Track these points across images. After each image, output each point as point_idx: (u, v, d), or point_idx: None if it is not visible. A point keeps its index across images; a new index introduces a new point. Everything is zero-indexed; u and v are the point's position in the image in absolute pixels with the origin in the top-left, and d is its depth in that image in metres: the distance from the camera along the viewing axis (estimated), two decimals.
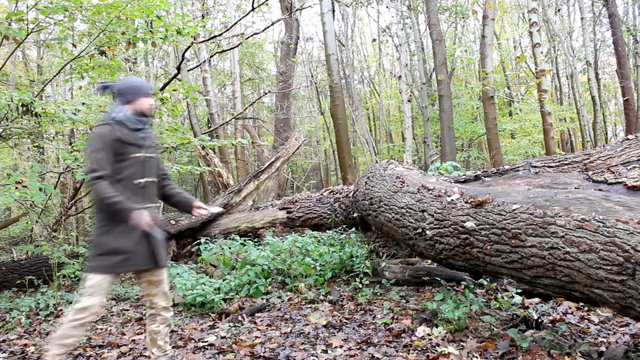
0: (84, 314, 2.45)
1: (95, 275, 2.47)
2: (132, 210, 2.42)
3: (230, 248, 5.14)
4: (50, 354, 2.46)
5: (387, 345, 3.08)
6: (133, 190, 2.55)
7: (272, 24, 8.92)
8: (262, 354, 3.06)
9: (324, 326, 3.57)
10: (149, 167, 2.67)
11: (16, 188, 4.13)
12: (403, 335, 3.24)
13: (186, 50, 7.06)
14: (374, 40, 16.99)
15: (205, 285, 4.33)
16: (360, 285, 4.44)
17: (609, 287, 2.14)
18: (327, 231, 5.68)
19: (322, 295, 4.36)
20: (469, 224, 2.95)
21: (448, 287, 3.84)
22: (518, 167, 4.56)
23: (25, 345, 3.60)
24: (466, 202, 3.12)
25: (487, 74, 9.42)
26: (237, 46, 10.88)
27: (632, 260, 2.05)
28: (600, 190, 3.41)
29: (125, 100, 2.62)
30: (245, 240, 5.33)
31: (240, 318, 3.88)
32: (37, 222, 6.76)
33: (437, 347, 2.92)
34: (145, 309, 4.46)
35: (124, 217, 2.42)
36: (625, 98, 11.25)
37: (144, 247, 2.57)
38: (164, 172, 2.88)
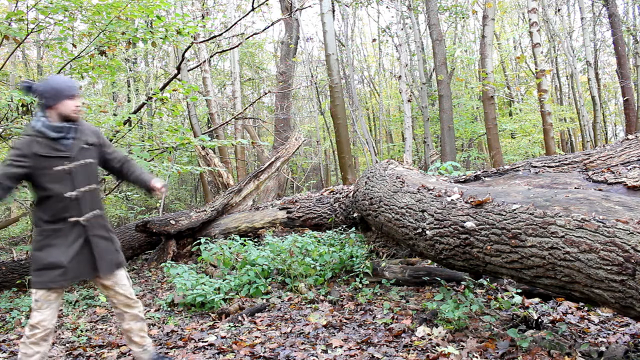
0: (37, 329, 2.40)
1: (37, 290, 2.42)
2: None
3: (230, 248, 5.14)
4: None
5: (387, 345, 3.08)
6: (66, 205, 2.43)
7: (272, 24, 8.92)
8: (262, 354, 3.06)
9: (324, 326, 3.57)
10: (83, 176, 2.50)
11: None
12: (403, 335, 3.24)
13: (186, 50, 7.07)
14: (374, 40, 17.00)
15: (205, 285, 4.33)
16: (360, 285, 4.44)
17: (609, 287, 2.14)
18: (327, 231, 5.68)
19: (322, 295, 4.36)
20: (469, 224, 2.95)
21: (448, 287, 3.84)
22: (518, 167, 4.56)
23: None
24: (466, 202, 3.12)
25: (487, 74, 9.43)
26: (237, 46, 10.89)
27: (632, 260, 2.05)
28: (600, 190, 3.41)
29: (46, 105, 2.42)
30: (245, 240, 5.34)
31: (240, 318, 3.88)
32: None
33: (437, 347, 2.92)
34: (145, 309, 4.46)
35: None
36: (625, 98, 11.25)
37: (83, 258, 2.49)
38: (120, 159, 2.77)
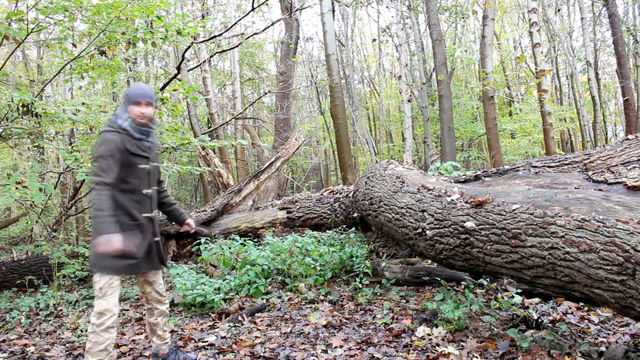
0: (106, 316, 2.49)
1: (102, 277, 2.52)
2: (109, 232, 2.41)
3: (230, 248, 5.14)
4: None
5: (387, 345, 3.08)
6: (141, 200, 2.65)
7: (272, 24, 8.92)
8: (262, 354, 3.06)
9: (324, 326, 3.57)
10: (155, 177, 2.78)
11: (16, 188, 4.13)
12: (403, 335, 3.24)
13: (186, 50, 7.06)
14: (374, 40, 17.00)
15: (205, 285, 4.33)
16: (360, 285, 4.44)
17: (609, 287, 2.14)
18: (327, 231, 5.68)
19: (322, 295, 4.36)
20: (469, 224, 2.95)
21: (448, 287, 3.84)
22: (518, 167, 4.56)
23: (25, 345, 3.60)
24: (466, 202, 3.12)
25: (487, 74, 9.42)
26: (237, 46, 10.88)
27: (632, 260, 2.05)
28: (600, 190, 3.41)
29: (125, 107, 2.65)
30: (245, 240, 5.33)
31: (240, 318, 3.88)
32: (37, 222, 6.76)
33: (437, 347, 2.92)
34: (144, 309, 4.46)
35: (99, 233, 2.42)
36: (625, 98, 11.25)
37: (152, 252, 2.71)
38: (161, 179, 2.98)
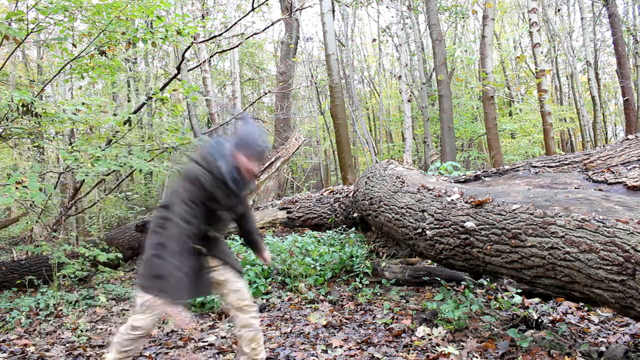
0: (138, 332, 2.40)
1: (145, 295, 2.32)
2: (176, 299, 2.17)
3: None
4: (112, 357, 2.42)
5: (387, 345, 3.08)
6: (203, 240, 2.41)
7: (272, 24, 8.92)
8: None
9: (324, 326, 3.57)
10: (228, 224, 2.57)
11: (16, 188, 4.13)
12: (403, 335, 3.24)
13: (186, 50, 7.05)
14: (374, 40, 17.00)
15: None
16: (360, 285, 4.44)
17: (609, 287, 2.14)
18: (327, 231, 5.68)
19: (322, 295, 4.36)
20: (469, 224, 2.95)
21: (448, 287, 3.84)
22: (518, 167, 4.57)
23: (25, 345, 3.60)
24: (466, 202, 3.12)
25: (487, 74, 9.42)
26: (237, 46, 10.88)
27: (632, 260, 2.05)
28: (600, 190, 3.41)
29: (237, 151, 2.29)
30: None
31: None
32: (37, 222, 6.76)
33: (437, 347, 2.92)
34: None
35: (164, 289, 2.15)
36: (625, 98, 11.25)
37: (197, 280, 2.42)
38: (246, 209, 2.71)
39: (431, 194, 3.57)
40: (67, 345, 3.56)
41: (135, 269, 6.66)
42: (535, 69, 9.01)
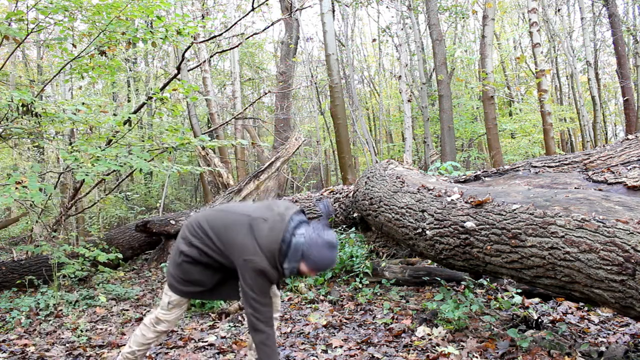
0: (162, 325, 2.50)
1: (174, 294, 2.46)
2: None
3: None
4: (129, 351, 2.52)
5: (387, 345, 3.08)
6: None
7: (272, 24, 8.92)
8: None
9: (324, 326, 3.57)
10: None
11: (16, 188, 4.12)
12: (403, 335, 3.24)
13: (186, 50, 7.06)
14: (374, 40, 17.00)
15: None
16: (360, 285, 4.44)
17: (609, 287, 2.14)
18: None
19: (322, 295, 4.36)
20: (469, 224, 2.95)
21: (448, 287, 3.84)
22: (518, 167, 4.56)
23: (25, 345, 3.60)
24: (466, 202, 3.12)
25: (487, 74, 9.42)
26: (237, 46, 10.88)
27: (632, 260, 2.05)
28: (600, 190, 3.41)
29: (302, 258, 2.23)
30: None
31: (240, 318, 3.88)
32: (37, 222, 6.76)
33: (437, 347, 2.92)
34: (145, 309, 4.46)
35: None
36: (625, 98, 11.25)
37: (222, 285, 2.49)
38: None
39: (431, 194, 3.57)
40: (67, 345, 3.56)
41: (135, 268, 6.66)
42: (535, 69, 9.01)
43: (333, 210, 2.41)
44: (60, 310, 4.48)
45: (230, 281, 2.48)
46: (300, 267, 2.26)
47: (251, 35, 9.90)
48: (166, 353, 3.23)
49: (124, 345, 3.41)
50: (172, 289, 2.46)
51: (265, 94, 10.08)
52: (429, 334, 3.16)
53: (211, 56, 12.68)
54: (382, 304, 3.93)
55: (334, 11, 10.98)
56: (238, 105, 12.98)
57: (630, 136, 4.34)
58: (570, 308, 3.60)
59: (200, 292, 2.48)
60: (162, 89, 6.46)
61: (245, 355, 3.07)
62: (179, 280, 2.43)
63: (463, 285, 3.93)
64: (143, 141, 6.70)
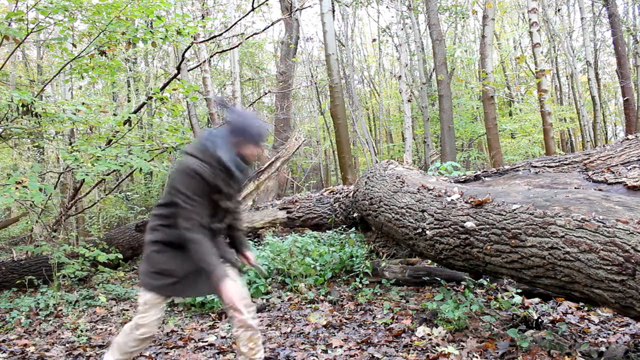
0: (143, 330, 2.35)
1: (146, 292, 2.34)
2: (225, 278, 2.19)
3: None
4: (112, 358, 2.41)
5: (387, 345, 3.08)
6: (209, 234, 2.32)
7: (272, 24, 8.92)
8: None
9: (324, 326, 3.57)
10: (230, 214, 2.49)
11: (16, 188, 4.13)
12: (403, 335, 3.24)
13: (186, 50, 7.06)
14: (374, 40, 17.00)
15: None
16: (360, 285, 4.44)
17: (609, 287, 2.14)
18: (327, 231, 5.68)
19: (322, 295, 4.36)
20: (469, 224, 2.95)
21: (448, 287, 3.84)
22: (518, 167, 4.56)
23: (25, 345, 3.60)
24: (466, 202, 3.12)
25: (487, 74, 9.42)
26: (237, 46, 10.88)
27: (632, 260, 2.05)
28: (600, 190, 3.41)
29: (236, 140, 2.26)
30: None
31: None
32: (37, 222, 6.76)
33: (437, 347, 2.92)
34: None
35: (212, 281, 2.20)
36: (625, 98, 11.25)
37: (196, 278, 2.35)
38: (238, 214, 2.67)
39: (431, 194, 3.57)
40: (67, 345, 3.56)
41: (135, 268, 6.66)
42: (535, 69, 9.01)
43: (224, 100, 2.39)
44: (60, 310, 4.48)
45: (203, 271, 2.30)
46: (239, 150, 2.26)
47: (251, 35, 9.91)
48: (166, 353, 3.23)
49: None
50: (144, 287, 2.35)
51: (265, 94, 10.09)
52: (429, 334, 3.16)
53: (211, 56, 12.68)
54: (382, 304, 3.93)
55: (334, 11, 10.98)
56: (238, 106, 12.97)
57: (630, 136, 4.34)
58: (570, 308, 3.60)
59: (173, 284, 2.32)
60: (162, 89, 6.46)
61: None
62: (148, 274, 2.32)
63: (463, 285, 3.93)
64: (143, 141, 6.71)
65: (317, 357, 2.98)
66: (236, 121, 2.29)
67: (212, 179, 2.22)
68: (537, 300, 3.69)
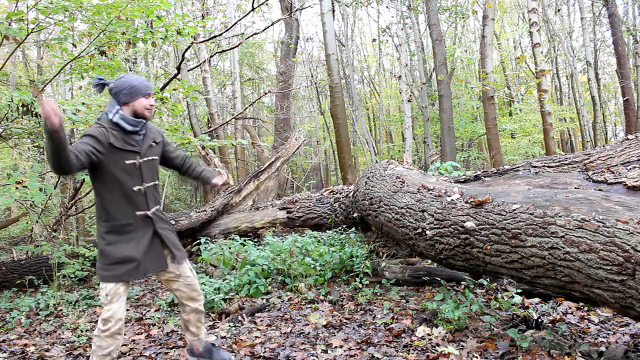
0: (111, 323, 2.42)
1: (107, 284, 2.44)
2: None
3: (230, 248, 5.14)
4: None
5: (387, 345, 3.08)
6: (132, 198, 2.48)
7: (272, 24, 8.91)
8: (262, 354, 3.06)
9: (324, 326, 3.57)
10: (148, 172, 2.58)
11: (16, 188, 4.13)
12: (403, 335, 3.24)
13: (186, 50, 7.06)
14: (374, 40, 17.00)
15: (205, 285, 4.33)
16: (360, 285, 4.44)
17: (609, 287, 2.14)
18: (327, 231, 5.68)
19: (322, 295, 4.36)
20: (469, 224, 2.95)
21: (448, 287, 3.84)
22: (518, 167, 4.56)
23: (25, 345, 3.60)
24: (466, 202, 3.12)
25: (487, 74, 9.42)
26: (237, 46, 10.88)
27: (632, 260, 2.05)
28: (600, 190, 3.41)
29: (121, 101, 2.48)
30: (245, 240, 5.33)
31: (240, 318, 3.88)
32: (37, 222, 6.76)
33: (437, 347, 2.92)
34: (145, 309, 4.46)
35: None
36: (625, 98, 11.25)
37: (155, 250, 2.55)
38: (182, 157, 2.90)
39: (431, 194, 3.57)
40: (67, 345, 3.56)
41: None
42: (535, 69, 9.01)
43: (99, 82, 2.58)
44: (60, 310, 4.48)
45: (154, 244, 2.55)
46: (132, 109, 2.49)
47: (251, 35, 9.89)
48: (166, 353, 3.23)
49: (124, 345, 3.41)
50: (105, 279, 2.44)
51: (265, 94, 10.08)
52: (429, 334, 3.16)
53: (211, 56, 12.68)
54: (382, 304, 3.93)
55: (334, 11, 10.98)
56: (238, 105, 12.98)
57: (630, 136, 4.34)
58: (570, 308, 3.60)
59: (135, 268, 2.46)
60: (162, 89, 6.45)
61: (234, 353, 3.08)
62: (106, 267, 2.43)
63: (463, 285, 3.93)
64: None
65: (317, 357, 2.98)
66: (116, 85, 2.50)
67: (104, 137, 2.40)
68: (537, 300, 3.69)
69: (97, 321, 4.16)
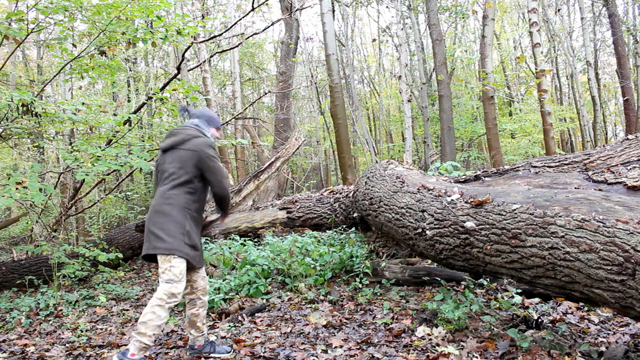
0: (175, 299, 2.73)
1: (183, 261, 2.78)
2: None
3: (230, 248, 5.14)
4: (144, 339, 2.66)
5: (387, 345, 3.08)
6: (204, 202, 3.04)
7: (272, 24, 8.91)
8: (262, 354, 3.06)
9: (324, 326, 3.57)
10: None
11: (16, 188, 4.12)
12: (403, 335, 3.24)
13: (186, 50, 7.06)
14: (374, 40, 17.00)
15: None
16: (360, 285, 4.44)
17: (609, 287, 2.14)
18: (327, 231, 5.68)
19: (322, 295, 4.36)
20: (469, 224, 2.95)
21: (448, 287, 3.84)
22: (518, 167, 4.56)
23: (25, 345, 3.60)
24: (466, 202, 3.12)
25: (487, 74, 9.42)
26: (237, 46, 10.88)
27: (632, 260, 2.05)
28: (600, 190, 3.41)
29: (213, 125, 3.13)
30: (245, 240, 5.33)
31: (240, 318, 3.88)
32: (37, 222, 6.76)
33: (437, 347, 2.92)
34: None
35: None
36: (625, 98, 11.25)
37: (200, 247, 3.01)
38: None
39: (431, 194, 3.57)
40: (67, 345, 3.56)
41: (135, 268, 6.66)
42: (535, 69, 9.01)
43: (185, 108, 3.24)
44: (60, 310, 4.48)
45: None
46: (212, 131, 3.12)
47: (251, 35, 9.90)
48: (166, 353, 3.23)
49: (124, 345, 3.41)
50: (185, 256, 2.78)
51: (265, 94, 10.08)
52: (429, 334, 3.16)
53: (211, 56, 12.68)
54: (382, 304, 3.93)
55: (334, 11, 10.98)
56: (238, 105, 12.98)
57: (630, 136, 4.34)
58: (570, 308, 3.60)
59: (199, 256, 2.96)
60: (162, 89, 6.46)
61: (226, 352, 3.08)
62: (185, 246, 2.80)
63: (463, 285, 3.93)
64: (143, 141, 6.70)
65: (317, 357, 2.98)
66: (205, 113, 3.17)
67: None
68: (537, 300, 3.69)
69: (97, 321, 4.16)
